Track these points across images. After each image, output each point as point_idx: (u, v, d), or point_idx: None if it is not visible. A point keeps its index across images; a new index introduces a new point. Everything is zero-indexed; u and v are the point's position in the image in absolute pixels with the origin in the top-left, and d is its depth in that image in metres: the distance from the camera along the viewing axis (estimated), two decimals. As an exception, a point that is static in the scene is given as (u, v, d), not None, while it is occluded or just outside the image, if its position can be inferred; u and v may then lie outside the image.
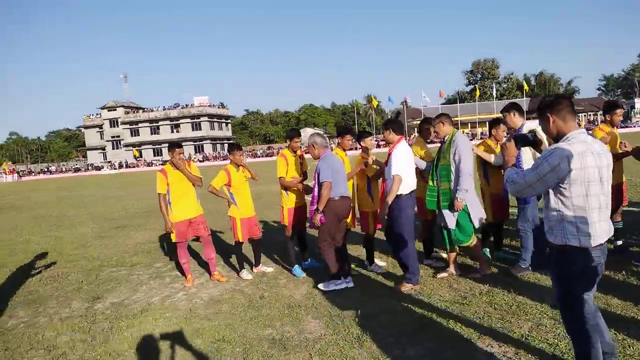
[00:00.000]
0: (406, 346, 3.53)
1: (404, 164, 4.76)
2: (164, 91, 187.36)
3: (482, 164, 5.48)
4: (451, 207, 4.79)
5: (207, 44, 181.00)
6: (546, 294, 4.26)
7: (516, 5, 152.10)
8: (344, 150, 5.70)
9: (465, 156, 4.68)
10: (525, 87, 64.04)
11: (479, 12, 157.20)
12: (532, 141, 3.05)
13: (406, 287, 4.75)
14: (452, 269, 5.09)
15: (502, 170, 5.13)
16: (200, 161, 67.34)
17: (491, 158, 5.26)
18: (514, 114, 4.96)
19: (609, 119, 5.41)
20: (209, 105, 79.33)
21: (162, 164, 68.24)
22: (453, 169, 4.75)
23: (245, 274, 5.79)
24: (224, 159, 66.79)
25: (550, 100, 2.60)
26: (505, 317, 3.87)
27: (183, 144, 74.84)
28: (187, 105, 79.15)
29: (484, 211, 5.05)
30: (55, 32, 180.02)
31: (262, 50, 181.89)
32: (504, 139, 5.07)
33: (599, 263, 2.48)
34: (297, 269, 5.70)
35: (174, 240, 5.69)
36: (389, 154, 4.88)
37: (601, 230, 2.46)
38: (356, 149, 6.48)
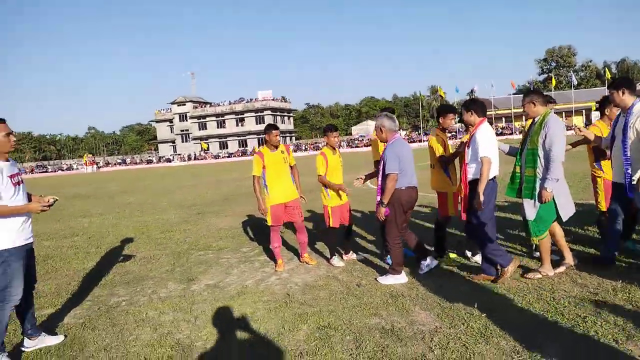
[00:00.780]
0: (542, 346, 3.14)
1: (492, 145, 4.38)
2: (228, 87, 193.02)
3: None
4: (538, 197, 4.26)
5: (268, 40, 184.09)
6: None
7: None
8: (444, 130, 5.35)
9: (557, 141, 4.13)
10: (608, 74, 59.29)
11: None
12: None
13: (479, 278, 4.52)
14: (568, 259, 4.58)
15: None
16: (264, 154, 68.65)
17: (591, 136, 4.71)
18: (623, 92, 4.23)
19: (607, 113, 4.90)
20: (273, 99, 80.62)
21: (228, 157, 70.44)
22: (541, 154, 4.23)
23: (337, 260, 5.59)
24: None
25: None
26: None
27: (247, 137, 77.99)
28: (251, 100, 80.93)
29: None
30: (125, 31, 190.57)
31: (321, 45, 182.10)
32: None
33: None
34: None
35: (269, 224, 5.59)
36: (472, 136, 4.49)
37: None
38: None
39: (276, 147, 5.56)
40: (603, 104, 4.99)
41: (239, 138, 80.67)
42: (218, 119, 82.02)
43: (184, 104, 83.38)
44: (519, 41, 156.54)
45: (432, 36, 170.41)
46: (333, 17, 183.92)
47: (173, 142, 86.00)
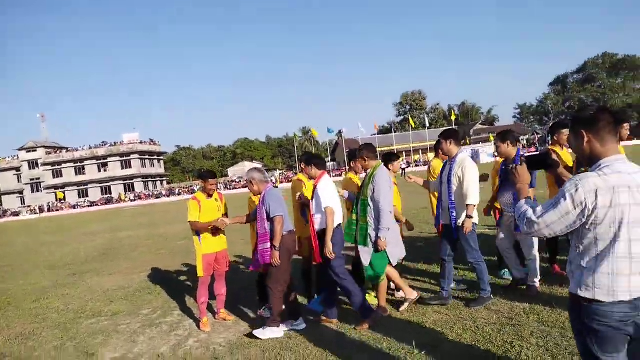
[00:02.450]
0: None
1: (333, 196, 4.78)
2: (88, 131, 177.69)
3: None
4: (374, 246, 4.61)
5: (133, 80, 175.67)
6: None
7: (435, 45, 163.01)
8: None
9: (383, 193, 4.51)
10: (453, 115, 67.92)
11: (405, 49, 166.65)
12: (547, 163, 2.62)
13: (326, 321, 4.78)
14: (409, 294, 4.94)
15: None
16: (132, 200, 64.01)
17: (420, 182, 5.39)
18: (450, 142, 4.84)
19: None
20: (140, 142, 76.26)
21: (89, 206, 63.92)
22: (372, 205, 4.59)
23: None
24: (157, 197, 64.04)
25: (589, 116, 2.10)
26: (565, 334, 3.78)
27: (111, 183, 72.16)
28: (115, 143, 75.52)
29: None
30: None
31: (190, 85, 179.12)
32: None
33: (622, 322, 1.97)
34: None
35: (199, 275, 5.13)
36: (314, 189, 4.83)
37: (630, 285, 1.97)
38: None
39: (211, 195, 5.21)
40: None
41: (102, 185, 74.14)
42: (76, 165, 74.55)
43: (35, 150, 74.46)
44: (380, 85, 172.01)
45: (301, 77, 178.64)
46: (203, 56, 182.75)
47: (21, 192, 75.69)
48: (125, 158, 73.91)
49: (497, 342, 3.81)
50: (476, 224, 4.73)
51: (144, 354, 4.66)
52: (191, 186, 72.35)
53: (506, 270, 5.61)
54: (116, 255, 12.33)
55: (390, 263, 4.72)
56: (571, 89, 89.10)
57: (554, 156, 5.29)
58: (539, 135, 68.75)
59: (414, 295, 4.92)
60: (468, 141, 68.09)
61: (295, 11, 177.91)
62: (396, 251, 4.75)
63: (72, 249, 15.10)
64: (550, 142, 5.90)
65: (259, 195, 4.75)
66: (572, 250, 2.12)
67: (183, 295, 6.80)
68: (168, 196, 63.98)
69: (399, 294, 5.36)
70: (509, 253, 5.11)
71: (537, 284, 4.93)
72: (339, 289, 4.81)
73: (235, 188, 60.75)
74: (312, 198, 4.80)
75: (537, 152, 2.66)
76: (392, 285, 5.46)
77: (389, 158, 5.51)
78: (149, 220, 25.19)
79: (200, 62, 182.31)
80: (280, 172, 74.03)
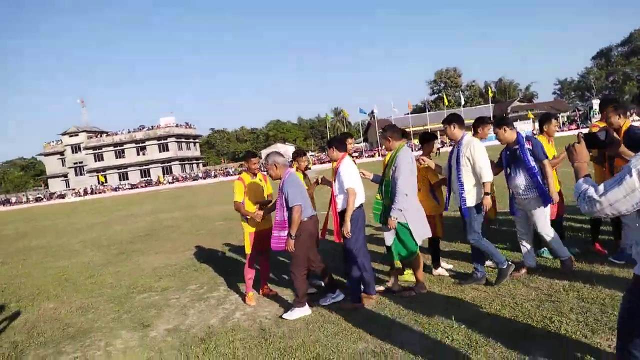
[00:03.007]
0: (527, 348, 3.41)
1: (354, 177, 4.82)
2: (125, 115, 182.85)
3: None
4: (384, 224, 4.74)
5: (167, 64, 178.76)
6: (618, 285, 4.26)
7: (472, 19, 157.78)
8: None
9: (403, 174, 4.57)
10: (490, 92, 66.09)
11: (440, 23, 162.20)
12: (604, 142, 2.48)
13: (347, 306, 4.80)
14: (391, 282, 5.11)
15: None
16: (170, 182, 65.86)
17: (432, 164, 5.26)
18: (454, 127, 4.89)
19: (546, 129, 5.49)
20: (176, 126, 78.02)
21: (130, 188, 66.10)
22: (393, 186, 4.66)
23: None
24: (194, 180, 65.61)
25: None
26: (605, 310, 3.82)
27: (150, 166, 74.36)
28: (152, 127, 77.54)
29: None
30: None
31: (223, 67, 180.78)
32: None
33: None
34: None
35: (247, 252, 5.43)
36: (336, 170, 4.86)
37: None
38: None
39: (255, 174, 5.45)
40: (542, 122, 5.57)
41: (141, 168, 76.62)
42: (116, 148, 77.28)
43: (77, 135, 77.48)
44: (412, 63, 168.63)
45: (332, 57, 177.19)
46: (233, 41, 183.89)
47: (65, 176, 79.21)
48: (162, 141, 75.90)
49: (536, 318, 3.89)
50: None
51: (194, 326, 4.97)
52: (226, 168, 73.74)
53: (545, 249, 5.62)
54: (158, 236, 12.87)
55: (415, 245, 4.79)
56: (615, 63, 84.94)
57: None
58: (580, 112, 66.17)
59: (423, 289, 4.96)
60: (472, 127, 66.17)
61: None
62: (421, 230, 4.79)
63: (117, 230, 15.84)
64: (597, 119, 5.78)
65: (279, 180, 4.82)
66: (636, 231, 2.00)
67: (227, 272, 7.13)
68: (204, 178, 65.47)
69: (437, 271, 5.49)
70: (527, 237, 5.07)
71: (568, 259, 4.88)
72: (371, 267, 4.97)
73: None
74: (335, 179, 4.86)
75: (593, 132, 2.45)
76: (429, 262, 5.59)
77: (425, 139, 5.57)
78: (187, 202, 25.98)
79: (231, 47, 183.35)
80: (312, 153, 74.23)
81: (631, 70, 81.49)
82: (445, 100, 63.07)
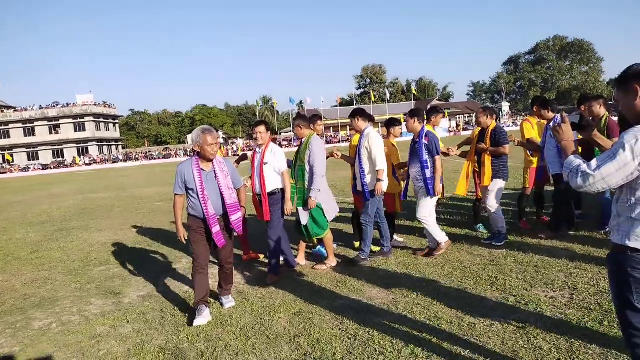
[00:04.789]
0: (481, 300, 4.08)
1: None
2: (38, 90, 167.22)
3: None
4: (305, 205, 5.27)
5: (82, 35, 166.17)
6: (551, 252, 5.14)
7: (395, 19, 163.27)
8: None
9: (318, 158, 5.15)
10: (414, 90, 69.35)
11: (366, 22, 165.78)
12: (579, 125, 2.78)
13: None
14: (331, 261, 5.63)
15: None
16: (87, 164, 61.96)
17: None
18: (414, 120, 5.48)
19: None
20: (95, 104, 73.26)
21: (41, 169, 61.09)
22: (307, 169, 5.22)
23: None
24: (113, 162, 62.29)
25: None
26: (539, 271, 4.62)
27: (64, 146, 69.32)
28: (68, 104, 72.19)
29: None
30: None
31: (145, 45, 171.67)
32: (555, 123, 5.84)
33: None
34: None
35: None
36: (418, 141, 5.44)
37: None
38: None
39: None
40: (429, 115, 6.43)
41: (54, 147, 71.20)
42: (25, 125, 71.02)
43: (-22, 109, 70.13)
44: (341, 58, 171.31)
45: (263, 45, 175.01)
46: (157, 18, 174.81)
47: (-38, 153, 71.54)
48: (78, 120, 70.98)
49: (484, 277, 4.60)
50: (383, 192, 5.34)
51: (168, 292, 5.15)
52: (149, 152, 70.63)
53: (481, 224, 6.47)
54: (94, 214, 12.44)
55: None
56: (523, 69, 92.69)
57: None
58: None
59: (334, 263, 5.55)
60: (425, 116, 69.76)
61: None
62: (332, 209, 5.45)
63: (43, 208, 14.96)
64: (529, 114, 6.71)
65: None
66: (618, 204, 2.15)
67: (184, 247, 7.25)
68: (125, 161, 62.38)
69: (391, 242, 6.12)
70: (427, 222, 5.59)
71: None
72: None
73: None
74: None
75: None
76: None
77: (391, 123, 6.15)
78: (115, 183, 24.89)
79: (156, 27, 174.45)
80: (241, 140, 73.41)
81: (536, 77, 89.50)
82: (372, 96, 65.14)
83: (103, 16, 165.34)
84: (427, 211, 5.41)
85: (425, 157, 5.32)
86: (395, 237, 6.25)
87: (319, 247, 6.07)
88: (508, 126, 58.84)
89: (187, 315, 4.35)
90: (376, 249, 5.73)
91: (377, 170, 5.27)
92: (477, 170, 6.19)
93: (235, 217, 4.33)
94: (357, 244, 6.23)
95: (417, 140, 5.42)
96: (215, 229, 4.17)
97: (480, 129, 6.12)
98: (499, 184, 5.77)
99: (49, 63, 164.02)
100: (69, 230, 10.02)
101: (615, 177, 2.01)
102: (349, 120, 5.93)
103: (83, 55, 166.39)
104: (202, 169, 4.17)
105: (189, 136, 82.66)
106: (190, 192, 4.19)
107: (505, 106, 74.99)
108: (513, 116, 73.01)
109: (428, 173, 5.29)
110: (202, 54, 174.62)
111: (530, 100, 7.86)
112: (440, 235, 5.43)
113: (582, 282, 4.24)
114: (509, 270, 4.73)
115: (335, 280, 4.97)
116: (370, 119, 5.65)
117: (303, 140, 5.36)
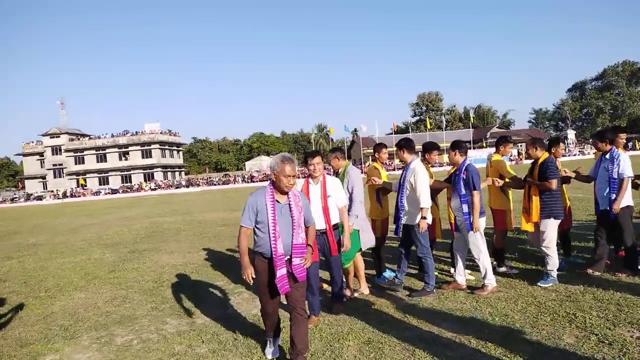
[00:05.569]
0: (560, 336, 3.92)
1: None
2: (110, 120, 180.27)
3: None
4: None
5: (149, 69, 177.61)
6: (633, 289, 4.84)
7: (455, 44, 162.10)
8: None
9: (357, 186, 5.25)
10: (471, 118, 68.01)
11: (425, 48, 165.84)
12: None
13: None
14: (364, 289, 5.66)
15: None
16: (152, 189, 65.21)
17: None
18: (403, 151, 5.44)
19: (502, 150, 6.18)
20: (161, 133, 77.60)
21: (110, 193, 64.78)
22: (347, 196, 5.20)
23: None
24: (176, 187, 65.15)
25: None
26: (622, 309, 4.37)
27: (132, 172, 73.58)
28: (137, 133, 76.94)
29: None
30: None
31: (206, 78, 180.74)
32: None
33: None
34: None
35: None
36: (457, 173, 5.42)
37: None
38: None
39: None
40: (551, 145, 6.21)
41: (122, 173, 75.75)
42: (98, 152, 76.31)
43: (58, 136, 76.27)
44: (397, 86, 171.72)
45: (317, 75, 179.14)
46: (215, 49, 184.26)
47: (43, 177, 77.66)
48: (146, 147, 75.34)
49: (561, 314, 4.41)
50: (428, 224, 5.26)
51: (238, 315, 5.32)
52: (209, 178, 73.41)
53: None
54: (162, 237, 13.06)
55: (360, 249, 5.40)
56: (589, 96, 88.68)
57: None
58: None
59: (366, 291, 5.60)
60: (485, 144, 68.07)
61: (315, 7, 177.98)
62: (367, 238, 5.43)
63: (116, 230, 15.91)
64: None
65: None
66: None
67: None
68: (187, 187, 65.05)
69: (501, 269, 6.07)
70: (460, 254, 5.56)
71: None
72: None
73: (254, 181, 61.59)
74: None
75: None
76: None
77: (427, 149, 6.22)
78: (179, 208, 26.02)
79: (216, 57, 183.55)
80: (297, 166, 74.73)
81: (604, 104, 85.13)
82: (428, 123, 64.59)
83: (167, 46, 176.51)
84: (479, 244, 5.28)
85: (463, 191, 5.24)
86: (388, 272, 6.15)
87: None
88: (575, 155, 56.13)
89: (257, 337, 4.48)
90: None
91: (421, 208, 5.20)
92: (527, 205, 5.71)
93: (297, 262, 3.72)
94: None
95: (457, 173, 5.36)
96: (281, 272, 3.62)
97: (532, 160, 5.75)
98: (551, 223, 5.33)
99: (118, 93, 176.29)
100: (141, 252, 10.59)
101: None
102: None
103: (151, 88, 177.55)
104: (276, 201, 3.72)
105: (247, 163, 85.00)
106: (259, 225, 3.69)
107: (571, 134, 71.70)
108: (580, 144, 69.60)
109: (465, 208, 5.22)
110: (262, 82, 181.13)
111: (597, 128, 7.57)
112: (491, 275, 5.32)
113: (672, 323, 3.97)
114: (589, 307, 4.50)
115: (402, 310, 4.94)
116: (373, 151, 5.89)
117: (340, 170, 5.51)
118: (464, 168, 5.32)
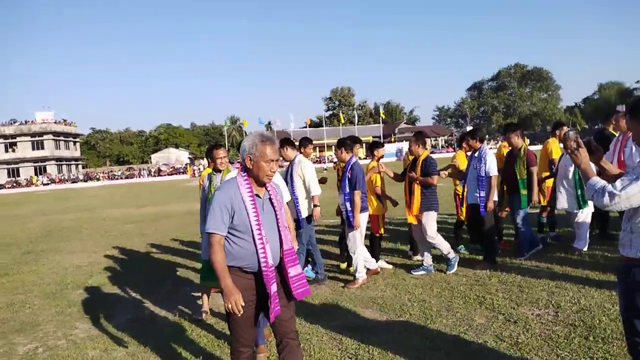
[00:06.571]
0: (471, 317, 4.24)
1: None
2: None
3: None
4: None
5: (41, 55, 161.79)
6: (532, 272, 5.39)
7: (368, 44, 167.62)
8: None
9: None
10: (382, 114, 70.94)
11: (336, 47, 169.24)
12: (590, 149, 2.62)
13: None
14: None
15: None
16: (44, 184, 59.61)
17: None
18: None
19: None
20: (55, 122, 71.04)
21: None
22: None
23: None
24: (73, 182, 60.21)
25: None
26: (523, 290, 4.83)
27: (20, 165, 66.63)
28: (26, 122, 69.71)
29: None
30: None
31: (106, 62, 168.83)
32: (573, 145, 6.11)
33: None
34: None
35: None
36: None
37: None
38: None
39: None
40: (462, 139, 6.73)
41: (9, 166, 68.23)
42: (-21, 143, 68.02)
43: None
44: (310, 80, 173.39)
45: (230, 64, 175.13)
46: (120, 32, 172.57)
47: None
48: (37, 138, 68.53)
49: (472, 297, 4.77)
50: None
51: (156, 316, 5.06)
52: (111, 171, 68.74)
53: (462, 245, 6.72)
54: (62, 236, 11.99)
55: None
56: (486, 95, 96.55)
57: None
58: (456, 136, 73.99)
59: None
60: (393, 139, 71.34)
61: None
62: None
63: (6, 230, 14.33)
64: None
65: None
66: (631, 222, 2.36)
67: (167, 268, 7.16)
68: (85, 181, 60.34)
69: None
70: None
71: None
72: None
73: (161, 175, 58.79)
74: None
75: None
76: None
77: (375, 146, 6.34)
78: (78, 204, 24.10)
79: (119, 41, 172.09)
80: (204, 160, 72.66)
81: (498, 103, 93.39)
82: (342, 118, 66.16)
83: (64, 29, 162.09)
84: (357, 241, 5.49)
85: (347, 189, 5.43)
86: (380, 261, 6.35)
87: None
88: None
89: (179, 340, 4.30)
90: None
91: (312, 196, 5.50)
92: (407, 199, 5.92)
93: (295, 272, 2.85)
94: (342, 266, 6.33)
95: (344, 171, 5.55)
96: (273, 288, 2.70)
97: (413, 157, 5.96)
98: (432, 216, 5.65)
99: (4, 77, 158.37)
100: (38, 252, 9.64)
101: (638, 197, 2.21)
102: (317, 141, 6.12)
103: (44, 71, 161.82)
104: (256, 195, 2.77)
105: (153, 156, 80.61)
106: (235, 230, 2.70)
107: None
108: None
109: (349, 205, 5.42)
110: (167, 70, 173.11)
111: (492, 125, 8.31)
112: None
113: (564, 300, 4.47)
114: (495, 290, 4.92)
115: (327, 302, 5.03)
116: (299, 146, 5.93)
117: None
118: (349, 167, 5.47)
